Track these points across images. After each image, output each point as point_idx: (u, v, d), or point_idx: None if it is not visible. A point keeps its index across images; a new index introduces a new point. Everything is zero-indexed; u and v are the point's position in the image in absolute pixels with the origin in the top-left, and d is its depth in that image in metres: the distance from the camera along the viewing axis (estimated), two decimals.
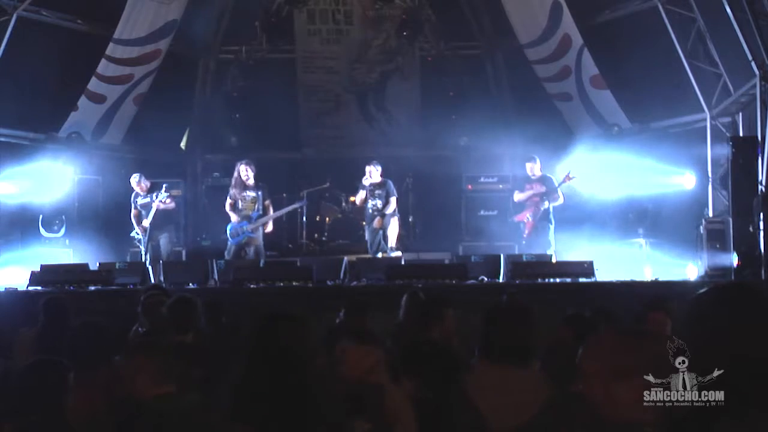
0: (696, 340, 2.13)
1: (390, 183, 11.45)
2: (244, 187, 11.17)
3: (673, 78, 11.71)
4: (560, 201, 11.17)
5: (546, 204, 11.05)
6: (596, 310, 5.16)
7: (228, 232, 11.32)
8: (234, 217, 11.18)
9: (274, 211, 11.52)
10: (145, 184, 11.64)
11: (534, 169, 11.23)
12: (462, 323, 4.83)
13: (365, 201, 11.42)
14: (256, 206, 11.17)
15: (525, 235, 11.28)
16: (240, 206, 11.19)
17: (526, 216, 11.24)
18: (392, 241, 11.33)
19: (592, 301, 7.63)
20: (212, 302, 5.93)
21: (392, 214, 11.36)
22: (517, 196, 11.36)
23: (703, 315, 2.13)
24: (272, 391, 2.56)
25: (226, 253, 11.16)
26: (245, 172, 11.13)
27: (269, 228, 11.40)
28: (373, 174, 11.29)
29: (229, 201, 11.29)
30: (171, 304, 4.83)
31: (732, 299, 2.12)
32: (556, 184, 11.08)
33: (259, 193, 11.19)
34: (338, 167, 13.90)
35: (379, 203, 11.28)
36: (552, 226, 11.12)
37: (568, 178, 11.00)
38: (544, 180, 11.20)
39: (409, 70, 15.05)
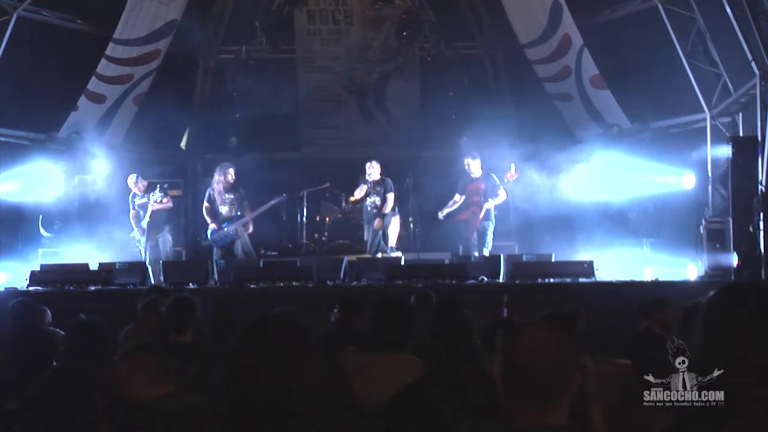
0: (704, 341, 2.12)
1: (388, 180, 11.48)
2: (225, 189, 11.26)
3: (673, 78, 11.71)
4: (503, 198, 11.19)
5: (489, 203, 11.05)
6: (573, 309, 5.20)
7: (210, 237, 11.39)
8: (211, 224, 11.27)
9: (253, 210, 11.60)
10: (142, 184, 11.69)
11: (473, 166, 11.23)
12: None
13: (365, 198, 11.44)
14: (236, 208, 11.26)
15: (471, 236, 11.27)
16: (220, 209, 11.27)
17: (468, 215, 11.26)
18: (393, 240, 11.33)
19: (592, 301, 7.63)
20: (223, 298, 6.03)
21: (392, 213, 11.37)
22: (451, 203, 11.43)
23: (712, 316, 2.12)
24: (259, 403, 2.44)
25: (214, 256, 11.22)
26: (231, 176, 11.22)
27: (251, 228, 11.48)
28: (374, 170, 11.33)
29: (206, 204, 11.38)
30: (170, 303, 4.84)
31: (738, 300, 2.11)
32: (498, 183, 11.12)
33: (238, 194, 11.31)
34: (338, 167, 13.90)
35: (377, 200, 11.31)
36: (492, 225, 11.15)
37: (511, 175, 11.04)
38: (485, 178, 11.21)
39: (409, 70, 15.04)
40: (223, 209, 11.32)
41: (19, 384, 3.86)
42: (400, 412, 2.86)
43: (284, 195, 12.41)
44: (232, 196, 11.33)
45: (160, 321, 5.03)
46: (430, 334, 3.60)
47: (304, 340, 2.40)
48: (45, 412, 3.05)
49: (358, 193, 11.60)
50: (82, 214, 12.70)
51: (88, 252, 11.62)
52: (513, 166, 11.18)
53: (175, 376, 3.43)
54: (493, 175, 11.33)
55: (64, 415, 3.02)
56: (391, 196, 11.35)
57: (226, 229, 11.24)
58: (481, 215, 11.13)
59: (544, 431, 1.99)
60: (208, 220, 11.38)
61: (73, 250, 12.02)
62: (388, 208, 11.30)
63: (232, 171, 11.34)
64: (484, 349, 4.26)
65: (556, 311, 4.79)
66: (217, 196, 11.34)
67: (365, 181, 11.45)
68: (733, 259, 9.90)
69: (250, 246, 11.45)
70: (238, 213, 11.31)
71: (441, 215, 11.51)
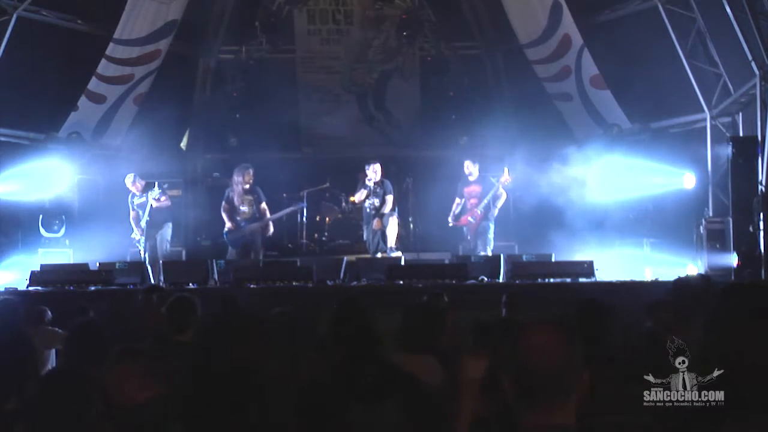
0: (705, 340, 2.12)
1: (387, 182, 11.48)
2: (244, 191, 11.27)
3: (673, 78, 11.71)
4: (503, 199, 11.26)
5: (488, 204, 11.15)
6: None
7: (226, 237, 11.40)
8: (228, 222, 11.27)
9: (272, 212, 11.60)
10: (140, 183, 11.65)
11: (470, 168, 11.33)
12: (462, 322, 4.91)
13: (365, 200, 11.45)
14: (254, 209, 11.27)
15: (469, 238, 11.37)
16: (240, 209, 11.29)
17: (468, 219, 11.33)
18: (392, 240, 11.34)
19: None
20: (228, 298, 6.04)
21: (390, 213, 11.37)
22: (455, 206, 11.58)
23: (713, 316, 2.12)
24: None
25: (227, 256, 11.23)
26: (250, 176, 11.25)
27: (270, 231, 11.48)
28: (376, 173, 11.34)
29: (225, 205, 11.37)
30: (170, 303, 4.83)
31: (739, 299, 2.12)
32: (495, 183, 11.22)
33: (256, 196, 11.31)
34: (338, 167, 13.90)
35: (376, 202, 11.32)
36: (492, 226, 11.22)
37: (505, 179, 11.11)
38: (482, 181, 11.28)
39: (409, 70, 15.04)
40: (243, 209, 11.34)
41: None
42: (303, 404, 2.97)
43: (303, 203, 12.51)
44: (251, 197, 11.35)
45: (159, 320, 5.02)
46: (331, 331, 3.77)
47: (266, 335, 2.40)
48: (45, 413, 3.05)
49: (359, 196, 11.60)
50: (82, 214, 12.70)
51: (88, 252, 11.62)
52: (506, 170, 11.23)
53: (176, 376, 3.43)
54: (492, 178, 11.38)
55: (64, 415, 3.03)
56: (389, 198, 11.36)
57: (243, 229, 11.26)
58: (479, 216, 11.19)
59: (552, 431, 1.99)
60: (226, 220, 11.37)
61: (73, 250, 12.03)
62: (386, 209, 11.30)
63: (251, 172, 11.34)
64: (475, 347, 4.29)
65: (565, 313, 4.81)
66: (236, 197, 11.36)
67: (365, 185, 11.44)
68: (733, 259, 9.90)
69: (260, 251, 11.45)
70: (257, 214, 11.33)
71: (450, 222, 11.60)
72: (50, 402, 3.07)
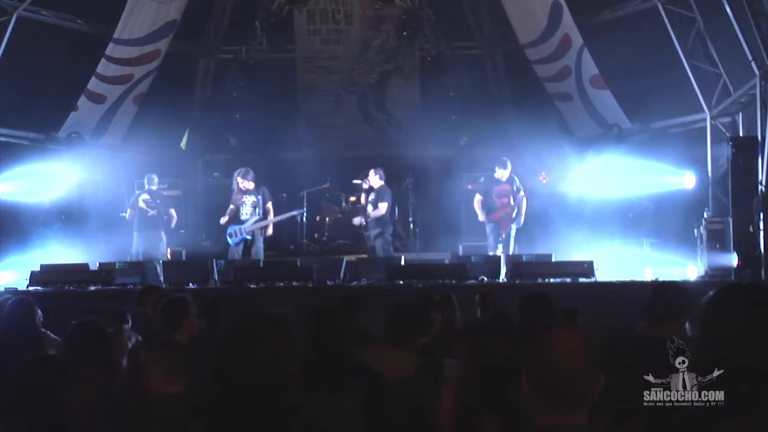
0: (704, 340, 2.12)
1: (383, 190, 11.22)
2: (243, 192, 11.25)
3: (673, 78, 11.71)
4: (524, 202, 11.29)
5: (516, 208, 11.16)
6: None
7: (227, 232, 11.41)
8: (230, 223, 11.28)
9: (275, 214, 11.55)
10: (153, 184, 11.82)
11: (500, 172, 11.24)
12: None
13: (366, 204, 11.42)
14: (256, 210, 11.24)
15: (503, 236, 11.26)
16: (241, 210, 11.28)
17: (501, 215, 11.29)
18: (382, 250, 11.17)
19: (592, 301, 7.62)
20: (210, 308, 5.96)
21: (380, 226, 11.17)
22: (479, 208, 11.38)
23: (712, 316, 2.12)
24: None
25: (228, 255, 11.21)
26: (242, 184, 11.22)
27: (269, 231, 11.43)
28: (370, 178, 11.27)
29: (230, 207, 11.38)
30: (163, 303, 4.84)
31: (738, 299, 2.11)
32: (519, 185, 11.22)
33: (259, 197, 11.29)
34: (338, 167, 13.90)
35: (370, 207, 11.22)
36: (515, 226, 11.22)
37: (542, 177, 11.10)
38: (511, 181, 11.29)
39: (409, 70, 15.05)
40: (244, 211, 11.30)
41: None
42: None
43: (304, 208, 12.45)
44: (253, 198, 11.29)
45: (156, 320, 5.03)
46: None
47: (286, 337, 2.41)
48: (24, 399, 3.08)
49: (363, 199, 11.57)
50: (82, 214, 12.69)
51: (88, 252, 11.62)
52: (543, 173, 11.22)
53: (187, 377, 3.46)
54: (516, 177, 11.35)
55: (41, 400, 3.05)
56: (382, 206, 11.10)
57: (242, 229, 11.25)
58: (513, 215, 11.16)
59: (566, 431, 1.99)
60: (230, 220, 11.37)
61: (73, 250, 12.02)
62: (376, 214, 11.11)
63: (240, 180, 11.24)
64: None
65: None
66: (234, 199, 11.36)
67: (362, 189, 11.41)
68: (733, 259, 9.90)
69: (262, 253, 11.39)
70: (259, 215, 11.27)
71: (482, 217, 11.41)
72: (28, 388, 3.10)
